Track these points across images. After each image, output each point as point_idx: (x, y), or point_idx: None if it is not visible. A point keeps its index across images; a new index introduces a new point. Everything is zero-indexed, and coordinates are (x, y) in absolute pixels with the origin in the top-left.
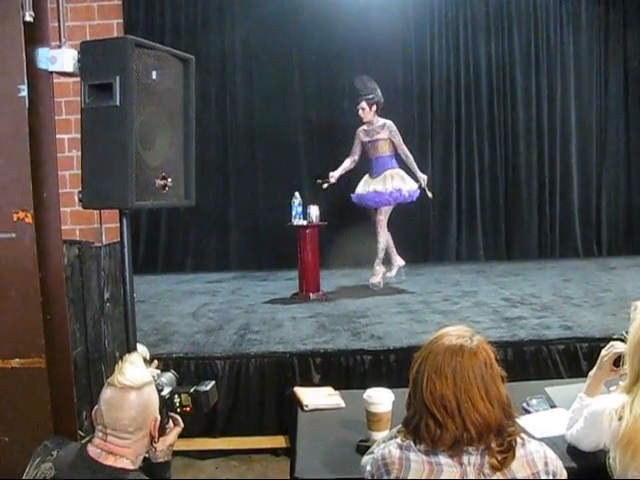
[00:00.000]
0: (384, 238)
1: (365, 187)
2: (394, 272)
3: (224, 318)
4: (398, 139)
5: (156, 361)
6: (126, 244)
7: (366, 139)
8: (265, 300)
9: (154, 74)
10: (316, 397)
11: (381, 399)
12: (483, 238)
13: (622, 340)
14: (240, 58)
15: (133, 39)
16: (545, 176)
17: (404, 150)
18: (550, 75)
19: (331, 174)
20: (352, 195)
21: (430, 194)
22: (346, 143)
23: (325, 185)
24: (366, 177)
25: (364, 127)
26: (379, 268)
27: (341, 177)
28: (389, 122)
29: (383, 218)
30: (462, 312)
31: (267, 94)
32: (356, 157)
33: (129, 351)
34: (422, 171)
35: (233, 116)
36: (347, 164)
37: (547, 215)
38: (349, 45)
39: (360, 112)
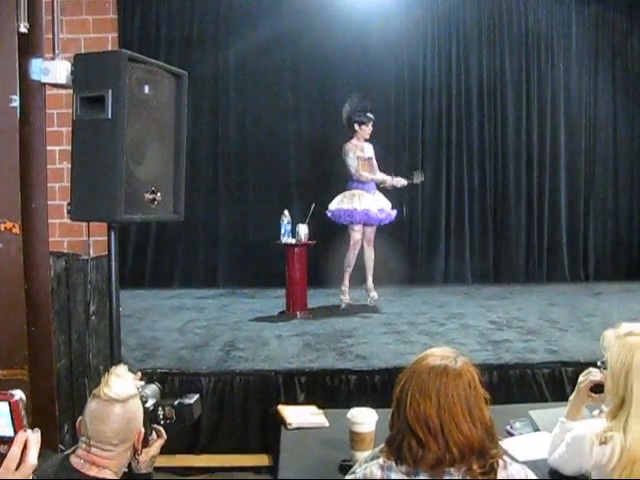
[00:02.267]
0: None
1: (366, 204)
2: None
3: (210, 334)
4: None
5: (140, 373)
6: (113, 257)
7: (365, 155)
8: (252, 317)
9: (146, 88)
10: (300, 415)
11: (364, 419)
12: (471, 261)
13: (598, 367)
14: (233, 75)
15: (126, 53)
16: (533, 201)
17: None
18: (540, 100)
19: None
20: (350, 211)
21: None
22: (337, 161)
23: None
24: (359, 194)
25: (355, 143)
26: (373, 285)
27: (326, 196)
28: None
29: (374, 236)
30: (448, 334)
31: (259, 111)
32: None
33: (113, 365)
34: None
35: (225, 132)
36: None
37: (535, 239)
38: (342, 65)
39: (368, 130)
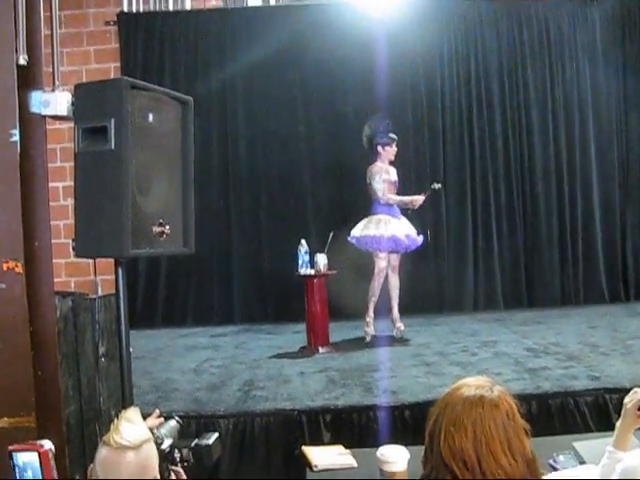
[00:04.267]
0: None
1: (393, 230)
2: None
3: (227, 374)
4: None
5: (158, 411)
6: (122, 295)
7: (392, 179)
8: (271, 354)
9: (151, 116)
10: (326, 457)
11: (395, 457)
12: (502, 285)
13: None
14: (241, 99)
15: (128, 80)
16: (566, 218)
17: None
18: (567, 109)
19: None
20: (377, 238)
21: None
22: (355, 186)
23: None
24: (386, 219)
25: (381, 166)
26: (399, 315)
27: (347, 224)
28: None
29: (399, 263)
30: (481, 363)
31: (270, 135)
32: None
33: (125, 409)
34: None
35: (235, 160)
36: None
37: (570, 259)
38: (355, 84)
39: (392, 151)
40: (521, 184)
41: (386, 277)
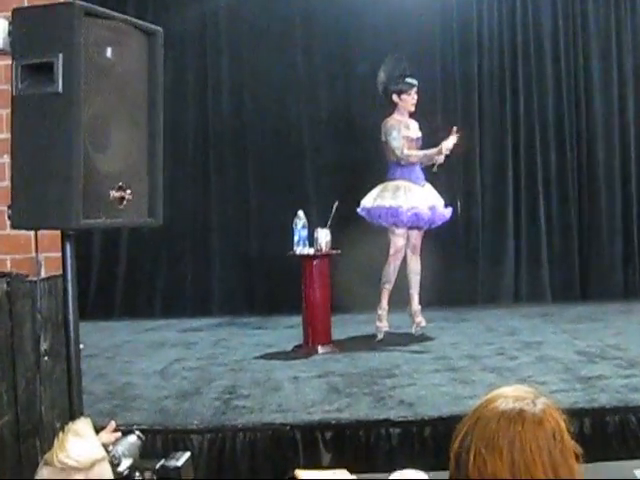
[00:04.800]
0: None
1: (415, 200)
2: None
3: (203, 378)
4: None
5: (113, 423)
6: (70, 278)
7: (414, 136)
8: (258, 355)
9: (109, 51)
10: None
11: None
12: (550, 272)
13: None
14: (226, 33)
15: (81, 5)
16: (632, 193)
17: None
18: (637, 58)
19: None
20: (393, 210)
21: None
22: (366, 144)
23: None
24: (405, 186)
25: (399, 119)
26: (419, 307)
27: (357, 192)
28: None
29: (421, 242)
30: (522, 370)
31: (262, 80)
32: None
33: (72, 420)
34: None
35: (217, 109)
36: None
37: (635, 242)
38: (372, 18)
39: (411, 100)
40: (576, 148)
41: (404, 259)
